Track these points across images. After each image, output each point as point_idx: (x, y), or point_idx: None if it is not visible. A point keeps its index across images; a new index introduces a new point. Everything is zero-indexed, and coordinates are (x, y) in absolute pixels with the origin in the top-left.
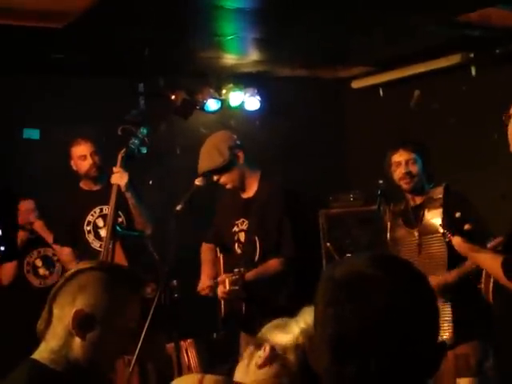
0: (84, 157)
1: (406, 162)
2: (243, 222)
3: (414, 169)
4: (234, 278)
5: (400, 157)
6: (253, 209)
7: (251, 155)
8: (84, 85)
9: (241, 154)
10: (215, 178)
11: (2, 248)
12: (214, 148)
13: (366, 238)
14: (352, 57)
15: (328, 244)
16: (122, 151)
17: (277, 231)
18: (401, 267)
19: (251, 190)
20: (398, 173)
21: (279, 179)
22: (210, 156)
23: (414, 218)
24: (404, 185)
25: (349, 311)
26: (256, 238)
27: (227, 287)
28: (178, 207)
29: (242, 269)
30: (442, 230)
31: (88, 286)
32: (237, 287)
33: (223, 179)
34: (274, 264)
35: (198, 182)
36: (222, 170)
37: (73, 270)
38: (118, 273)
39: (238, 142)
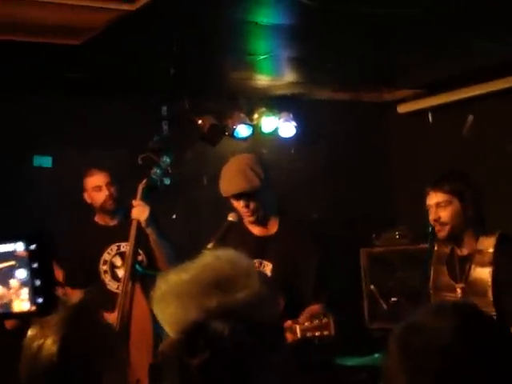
0: (99, 188)
1: (437, 206)
2: (261, 263)
3: (444, 214)
4: (313, 324)
5: (430, 200)
6: (276, 250)
7: None
8: (101, 107)
9: (272, 181)
10: (242, 203)
11: (40, 300)
12: (248, 168)
13: (413, 281)
14: (398, 78)
15: (371, 286)
16: (143, 182)
17: (315, 276)
18: (467, 317)
19: (271, 227)
20: (430, 219)
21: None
22: (245, 176)
23: (459, 270)
24: (437, 233)
25: (398, 367)
26: (282, 283)
27: (298, 335)
28: (209, 245)
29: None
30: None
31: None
32: (317, 333)
33: (253, 206)
34: (315, 310)
35: (231, 217)
36: (254, 194)
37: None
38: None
39: (266, 167)
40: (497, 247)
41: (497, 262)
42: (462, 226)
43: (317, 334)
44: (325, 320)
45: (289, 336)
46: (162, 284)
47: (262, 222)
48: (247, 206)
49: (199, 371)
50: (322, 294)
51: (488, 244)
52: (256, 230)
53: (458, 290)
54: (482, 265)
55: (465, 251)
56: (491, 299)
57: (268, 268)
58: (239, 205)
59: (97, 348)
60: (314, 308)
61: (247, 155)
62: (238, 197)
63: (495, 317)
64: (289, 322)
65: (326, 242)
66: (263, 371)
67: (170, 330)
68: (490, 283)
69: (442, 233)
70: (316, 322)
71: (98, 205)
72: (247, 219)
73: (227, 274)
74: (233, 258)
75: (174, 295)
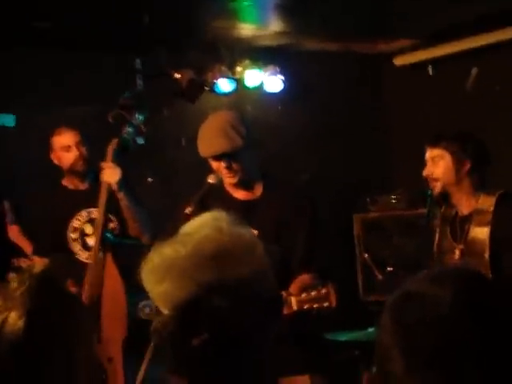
0: (68, 147)
1: (431, 161)
2: None
3: (436, 170)
4: (311, 295)
5: (427, 155)
6: (261, 214)
7: None
8: (69, 60)
9: (256, 140)
10: (223, 165)
11: None
12: (230, 125)
13: (411, 249)
14: (395, 27)
15: (366, 255)
16: (114, 142)
17: (305, 243)
18: (467, 284)
19: (255, 190)
20: (423, 174)
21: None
22: (226, 134)
23: (459, 230)
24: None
25: (391, 340)
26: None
27: (294, 307)
28: (187, 210)
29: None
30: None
31: None
32: (315, 305)
33: (235, 167)
34: (306, 280)
35: (211, 179)
36: (236, 154)
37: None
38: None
39: (249, 125)
40: (496, 206)
41: (496, 220)
42: (455, 183)
43: (315, 305)
44: (324, 290)
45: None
46: (155, 257)
47: (245, 184)
48: (229, 168)
49: (199, 351)
50: (313, 262)
51: (489, 203)
52: (239, 194)
53: (457, 252)
54: (481, 224)
55: (465, 211)
56: (488, 259)
57: None
58: (220, 166)
59: (65, 322)
60: (305, 277)
61: (229, 112)
62: (218, 158)
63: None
64: (284, 294)
65: (316, 206)
66: (263, 345)
67: (163, 306)
68: (487, 243)
69: (435, 189)
70: (314, 292)
71: (67, 166)
72: (229, 181)
73: (228, 249)
74: (236, 231)
75: (170, 269)
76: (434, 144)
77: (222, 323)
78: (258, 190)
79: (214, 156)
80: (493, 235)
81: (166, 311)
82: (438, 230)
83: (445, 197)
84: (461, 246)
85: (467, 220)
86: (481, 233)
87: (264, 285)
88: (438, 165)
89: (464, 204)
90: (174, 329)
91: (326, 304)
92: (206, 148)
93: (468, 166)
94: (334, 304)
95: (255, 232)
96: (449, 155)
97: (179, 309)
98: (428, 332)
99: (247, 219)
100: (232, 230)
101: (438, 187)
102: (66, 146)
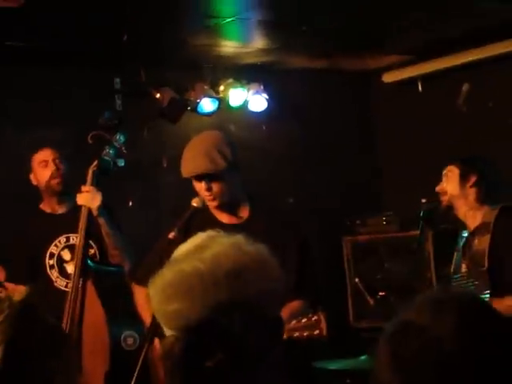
0: (45, 163)
1: (445, 177)
2: None
3: (448, 186)
4: (301, 323)
5: (443, 173)
6: (250, 238)
7: None
8: (45, 79)
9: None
10: (204, 185)
11: None
12: (214, 147)
13: (403, 273)
14: (384, 43)
15: (356, 279)
16: (93, 164)
17: (299, 269)
18: (470, 314)
19: (241, 214)
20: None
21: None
22: (208, 155)
23: (467, 245)
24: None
25: (391, 376)
26: None
27: (284, 335)
28: (171, 235)
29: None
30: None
31: None
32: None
33: (216, 189)
34: (296, 307)
35: (195, 202)
36: (218, 176)
37: None
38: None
39: (236, 147)
40: (497, 217)
41: (495, 230)
42: (460, 195)
43: (305, 333)
44: (315, 318)
45: None
46: (167, 273)
47: (230, 208)
48: (209, 189)
49: (213, 372)
50: (304, 289)
51: (491, 216)
52: (224, 218)
53: (463, 266)
54: (483, 235)
55: (472, 226)
56: (487, 268)
57: None
58: (201, 187)
59: (46, 352)
60: (296, 304)
61: (215, 133)
62: (199, 178)
63: (491, 286)
64: None
65: (304, 229)
66: (272, 363)
67: (171, 326)
68: (486, 251)
69: (443, 202)
70: (304, 320)
71: (44, 183)
72: (210, 204)
73: (247, 266)
74: (253, 249)
75: (183, 287)
76: (450, 161)
77: (237, 342)
78: (244, 213)
79: (193, 176)
80: (492, 243)
81: (170, 332)
82: (431, 249)
83: (449, 211)
84: (466, 261)
85: (473, 234)
86: (483, 242)
87: (274, 303)
88: (447, 178)
89: (470, 219)
90: (185, 350)
91: (316, 332)
92: (187, 167)
93: (473, 179)
94: (324, 332)
95: None
96: (457, 169)
97: (192, 329)
98: (429, 368)
99: None
100: (250, 247)
101: (445, 200)
102: (43, 161)
